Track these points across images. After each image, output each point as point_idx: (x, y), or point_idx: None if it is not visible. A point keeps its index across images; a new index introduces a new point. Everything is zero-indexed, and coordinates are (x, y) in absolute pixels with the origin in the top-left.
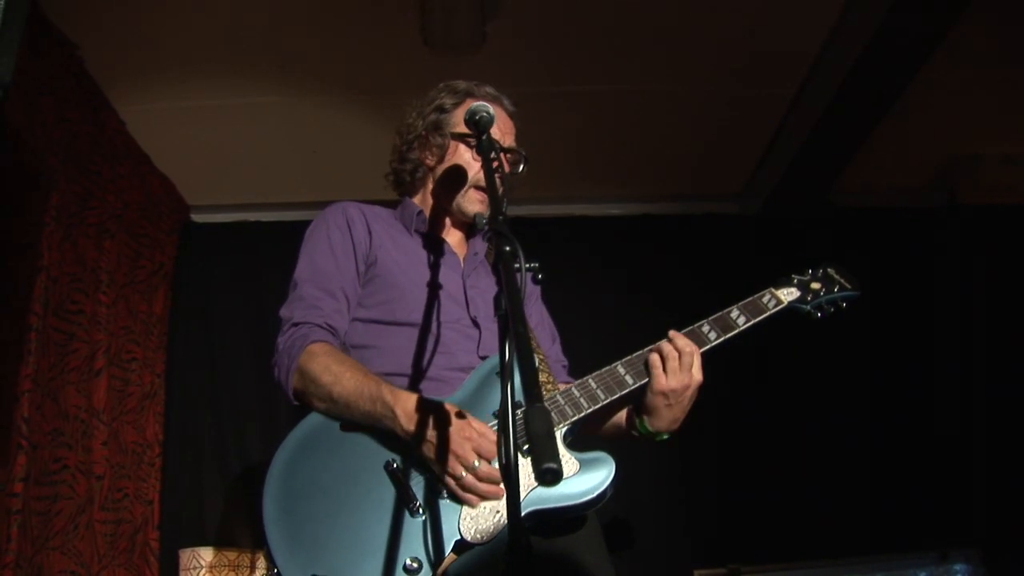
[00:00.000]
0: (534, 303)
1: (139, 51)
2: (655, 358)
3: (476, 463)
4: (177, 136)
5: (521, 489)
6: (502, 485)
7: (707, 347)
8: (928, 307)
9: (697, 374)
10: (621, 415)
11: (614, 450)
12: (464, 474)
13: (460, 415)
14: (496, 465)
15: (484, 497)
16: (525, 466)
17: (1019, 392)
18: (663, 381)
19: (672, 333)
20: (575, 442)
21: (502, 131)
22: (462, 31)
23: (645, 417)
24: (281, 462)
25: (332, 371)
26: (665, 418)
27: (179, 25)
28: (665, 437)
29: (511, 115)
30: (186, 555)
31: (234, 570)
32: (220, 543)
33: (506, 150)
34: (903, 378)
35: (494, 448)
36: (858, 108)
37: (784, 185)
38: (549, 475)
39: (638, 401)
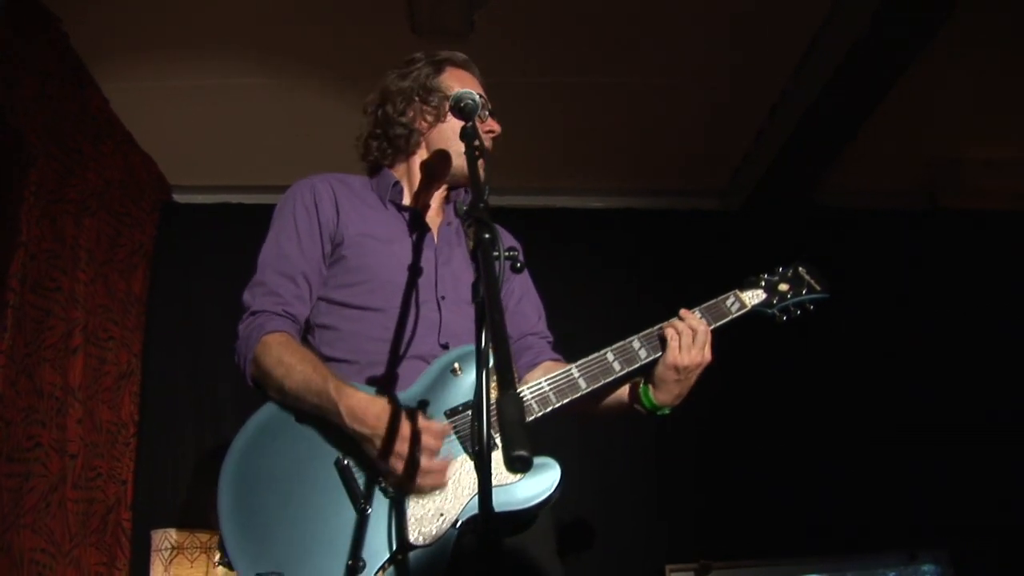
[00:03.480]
0: (511, 281)
1: (125, 29)
2: (671, 332)
3: (418, 457)
4: (161, 116)
5: (466, 492)
6: (444, 475)
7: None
8: (907, 309)
9: (708, 353)
10: (623, 390)
11: (584, 446)
12: (403, 469)
13: (402, 411)
14: (438, 459)
15: (429, 489)
16: (471, 471)
17: (994, 394)
18: (678, 356)
19: (684, 312)
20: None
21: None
22: (450, 19)
23: (652, 389)
24: (238, 450)
25: (284, 363)
26: (672, 392)
27: (166, 4)
28: (666, 411)
29: (481, 83)
30: (158, 536)
31: (205, 552)
32: (192, 525)
33: (493, 114)
34: (878, 379)
35: (437, 443)
36: (842, 109)
37: (767, 183)
38: (519, 463)
39: (647, 373)
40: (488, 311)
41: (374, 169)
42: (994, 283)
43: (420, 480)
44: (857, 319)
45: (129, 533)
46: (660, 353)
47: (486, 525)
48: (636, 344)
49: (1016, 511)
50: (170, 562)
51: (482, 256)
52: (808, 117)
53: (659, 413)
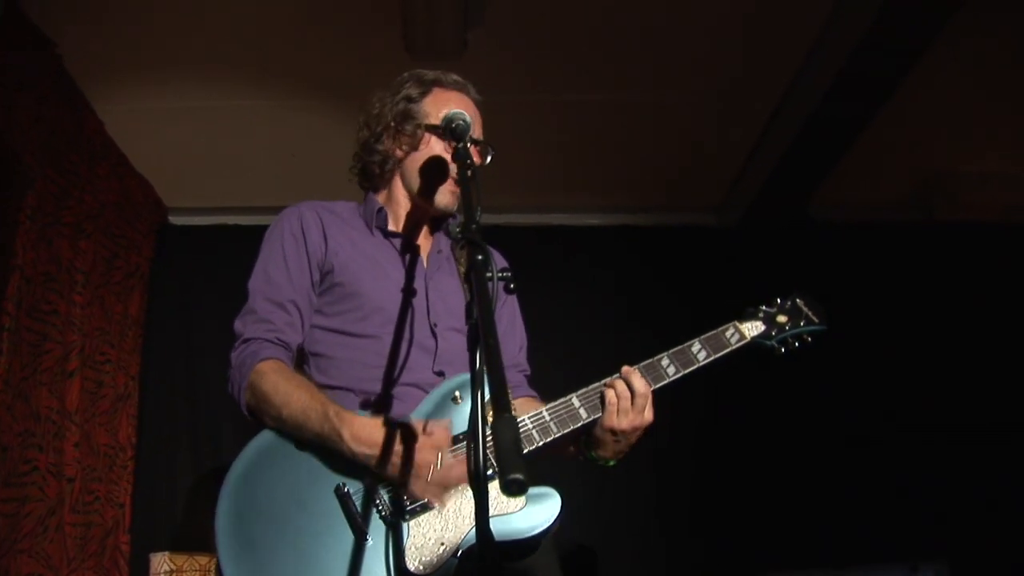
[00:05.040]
0: (503, 306)
1: (119, 51)
2: (611, 395)
3: (439, 463)
4: (156, 137)
5: (466, 521)
6: (444, 489)
7: (664, 383)
8: (903, 322)
9: (648, 415)
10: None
11: (581, 474)
12: (410, 478)
13: (404, 427)
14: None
15: (432, 495)
16: (471, 499)
17: (992, 407)
18: (614, 420)
19: (627, 370)
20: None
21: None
22: (444, 39)
23: (592, 445)
24: (235, 477)
25: (281, 391)
26: (611, 450)
27: (161, 26)
28: (611, 464)
29: (477, 104)
30: (156, 559)
31: (204, 575)
32: (191, 548)
33: (475, 142)
34: (876, 392)
35: (432, 456)
36: (838, 123)
37: (763, 198)
38: (514, 486)
39: (588, 429)
40: (482, 334)
41: (365, 189)
42: (990, 295)
43: (424, 487)
44: (853, 332)
45: (127, 556)
46: (599, 414)
47: (482, 553)
48: (576, 402)
49: (1016, 521)
50: None
51: (475, 278)
52: (804, 132)
53: (603, 464)
